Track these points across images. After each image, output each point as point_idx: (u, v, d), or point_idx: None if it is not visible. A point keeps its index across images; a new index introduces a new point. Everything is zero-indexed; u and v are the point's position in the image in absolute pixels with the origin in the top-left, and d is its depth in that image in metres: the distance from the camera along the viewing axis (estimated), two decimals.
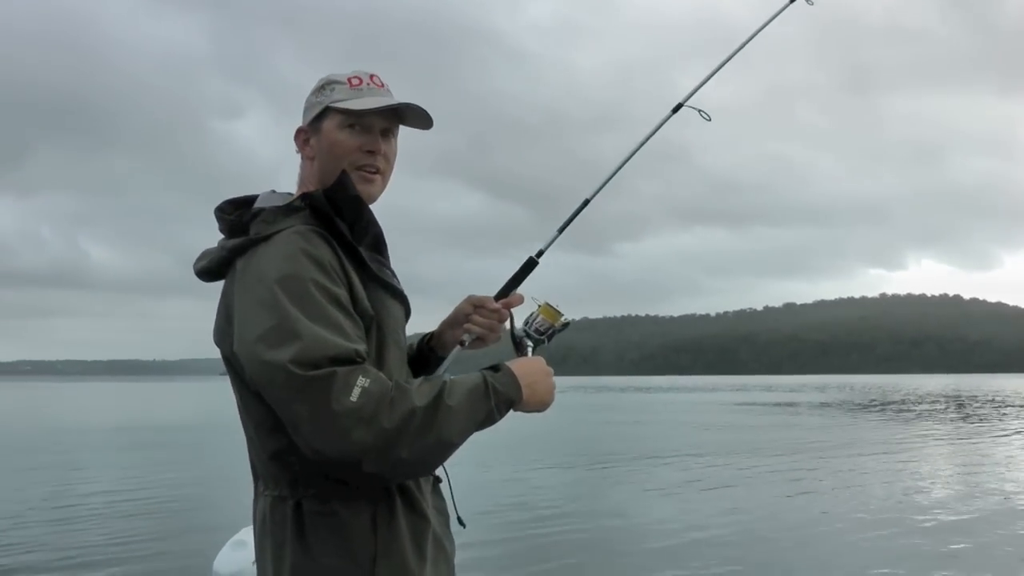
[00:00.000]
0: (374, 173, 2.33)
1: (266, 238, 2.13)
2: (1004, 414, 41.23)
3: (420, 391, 1.99)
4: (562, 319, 2.50)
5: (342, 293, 2.07)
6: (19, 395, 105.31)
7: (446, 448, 2.02)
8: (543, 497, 15.07)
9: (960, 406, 51.19)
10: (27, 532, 12.37)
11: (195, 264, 2.32)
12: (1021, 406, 49.94)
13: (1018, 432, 30.53)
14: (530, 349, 2.48)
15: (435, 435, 1.97)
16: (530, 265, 2.64)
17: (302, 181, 2.36)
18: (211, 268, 2.26)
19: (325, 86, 2.33)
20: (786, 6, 3.28)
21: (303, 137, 2.36)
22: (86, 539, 11.93)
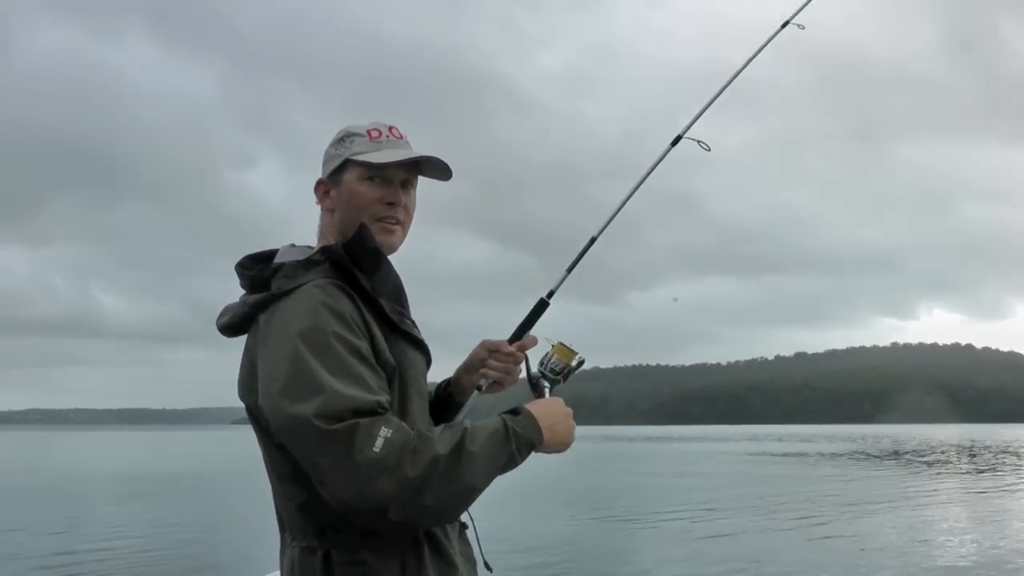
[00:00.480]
0: (394, 224, 2.33)
1: (287, 292, 2.14)
2: (1019, 465, 40.90)
3: (442, 439, 1.99)
4: (577, 357, 2.50)
5: (363, 345, 2.08)
6: (29, 444, 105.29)
7: (469, 494, 2.03)
8: (562, 545, 15.00)
9: (973, 456, 50.88)
10: None
11: (218, 320, 2.33)
12: None
13: None
14: (547, 390, 2.48)
15: (459, 482, 1.97)
16: (541, 306, 2.67)
17: (322, 233, 2.37)
18: (234, 324, 2.27)
19: (344, 138, 2.34)
20: (777, 32, 3.33)
21: (323, 189, 2.36)
22: None
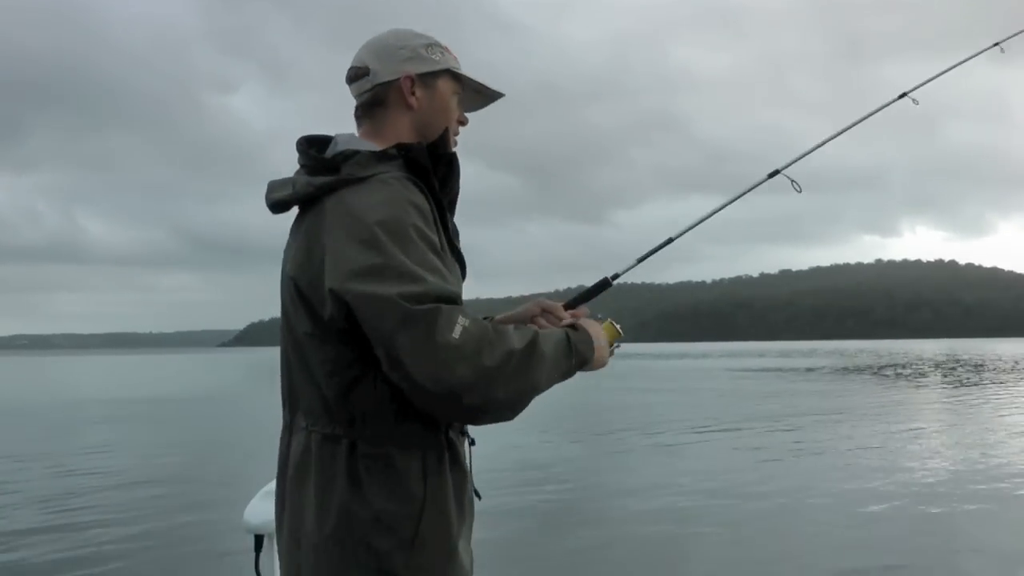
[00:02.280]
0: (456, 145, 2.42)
1: (361, 180, 2.15)
2: (1002, 380, 41.36)
3: (517, 334, 2.08)
4: (620, 339, 2.55)
5: (438, 242, 2.13)
6: (16, 369, 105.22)
7: (533, 393, 2.10)
8: (541, 463, 15.13)
9: (954, 370, 51.41)
10: (43, 506, 12.40)
11: (272, 194, 2.33)
12: (1018, 371, 50.16)
13: (1016, 397, 30.70)
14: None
15: (528, 379, 2.06)
16: (603, 285, 2.75)
17: (390, 128, 2.35)
18: (293, 200, 2.27)
19: (434, 46, 2.38)
20: (891, 102, 3.51)
21: (410, 85, 2.34)
22: (113, 500, 12.31)
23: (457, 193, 2.37)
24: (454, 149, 2.40)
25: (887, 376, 46.58)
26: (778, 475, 13.75)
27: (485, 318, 2.57)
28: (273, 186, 2.34)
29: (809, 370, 55.31)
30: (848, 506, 11.16)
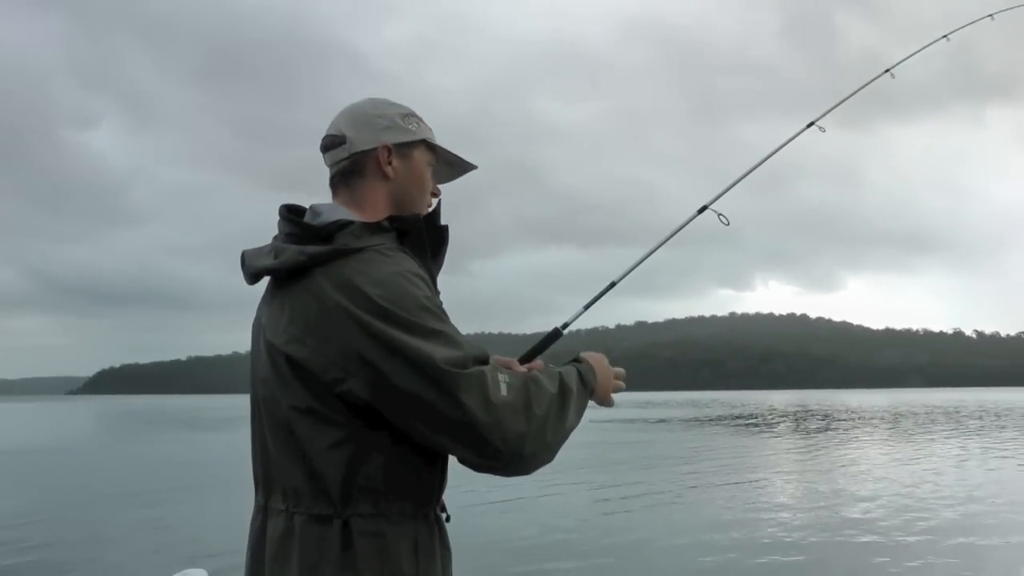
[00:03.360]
0: None
1: (355, 251, 2.10)
2: (849, 428, 42.69)
3: (547, 378, 2.11)
4: None
5: (442, 308, 2.12)
6: None
7: (570, 432, 2.14)
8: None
9: (803, 420, 52.77)
10: None
11: (252, 262, 2.26)
12: (860, 419, 51.76)
13: (859, 441, 31.68)
14: None
15: (567, 420, 2.11)
16: (555, 336, 2.74)
17: (367, 199, 2.31)
18: (275, 270, 2.19)
19: (410, 115, 2.38)
20: (798, 133, 3.62)
21: (387, 155, 2.31)
22: None
23: (441, 266, 2.36)
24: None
25: (739, 426, 47.56)
26: (626, 525, 13.89)
27: None
28: (251, 255, 2.28)
29: (661, 421, 56.08)
30: (689, 554, 11.37)
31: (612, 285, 2.88)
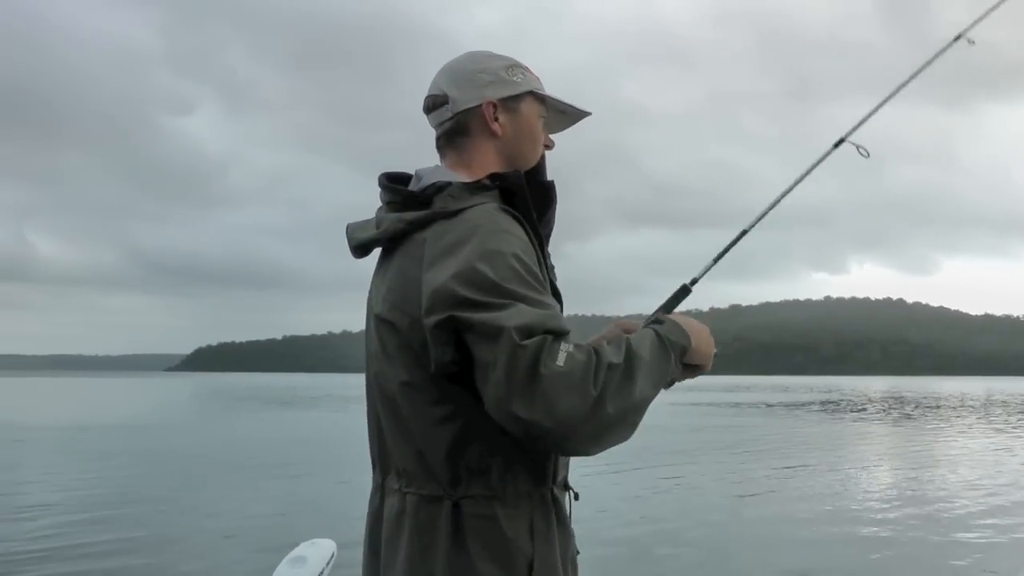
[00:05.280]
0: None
1: (454, 213, 2.02)
2: (948, 417, 41.88)
3: (612, 349, 1.90)
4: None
5: (539, 273, 1.99)
6: None
7: (643, 404, 1.93)
8: None
9: (902, 407, 51.92)
10: None
11: (355, 234, 2.22)
12: (961, 408, 50.77)
13: (960, 433, 31.08)
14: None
15: (635, 390, 1.88)
16: (683, 292, 2.56)
17: (477, 158, 2.21)
18: (377, 241, 2.16)
19: (515, 67, 2.24)
20: (948, 46, 3.25)
21: (492, 111, 2.19)
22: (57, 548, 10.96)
23: (552, 226, 2.27)
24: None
25: (831, 412, 46.95)
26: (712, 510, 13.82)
27: None
28: (355, 227, 2.23)
29: (752, 405, 55.59)
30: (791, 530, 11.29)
31: (743, 233, 2.67)
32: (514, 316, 1.83)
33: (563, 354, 1.81)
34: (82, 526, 12.26)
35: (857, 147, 2.90)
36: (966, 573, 9.65)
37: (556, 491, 2.10)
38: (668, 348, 2.02)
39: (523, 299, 1.87)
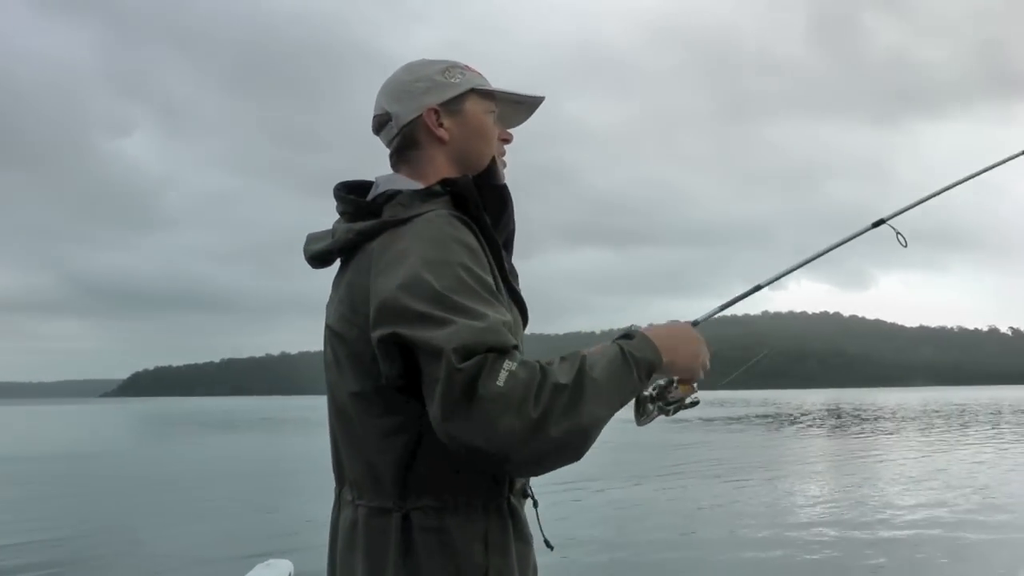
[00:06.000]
0: (504, 166, 2.26)
1: (404, 221, 1.98)
2: (885, 428, 42.46)
3: (561, 368, 1.80)
4: (695, 395, 2.29)
5: (490, 281, 1.93)
6: None
7: (594, 426, 1.81)
8: None
9: (838, 418, 52.51)
10: None
11: (310, 246, 2.17)
12: (892, 418, 51.43)
13: (898, 442, 31.51)
14: (649, 416, 2.28)
15: (583, 412, 1.77)
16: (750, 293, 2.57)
17: (428, 165, 2.17)
18: (333, 251, 2.11)
19: (452, 68, 2.20)
20: (1012, 156, 3.13)
21: (435, 118, 2.15)
22: None
23: (513, 230, 2.22)
24: (504, 180, 2.23)
25: (769, 425, 47.36)
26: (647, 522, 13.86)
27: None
28: (312, 238, 2.19)
29: (700, 419, 55.91)
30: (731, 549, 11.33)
31: (758, 288, 2.63)
32: (453, 337, 1.75)
33: (504, 373, 1.73)
34: (18, 554, 12.09)
35: (896, 232, 2.78)
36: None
37: (514, 500, 2.04)
38: (631, 365, 1.91)
39: (466, 312, 1.80)
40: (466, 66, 2.22)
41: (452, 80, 2.18)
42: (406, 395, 1.89)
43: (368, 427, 1.98)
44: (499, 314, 1.85)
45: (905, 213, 2.81)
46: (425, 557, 1.91)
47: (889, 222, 2.78)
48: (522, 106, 2.32)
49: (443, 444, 1.82)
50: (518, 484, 2.07)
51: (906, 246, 2.76)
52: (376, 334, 1.86)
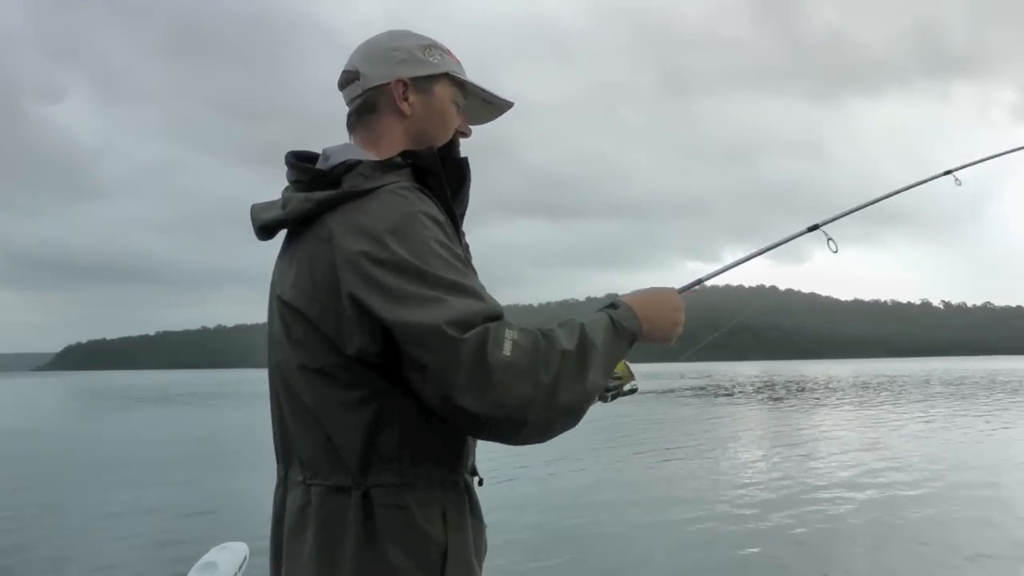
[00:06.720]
0: None
1: (365, 192, 1.94)
2: (817, 398, 43.14)
3: (564, 335, 1.85)
4: (633, 383, 2.39)
5: (462, 253, 1.92)
6: None
7: (595, 391, 1.88)
8: None
9: (772, 389, 53.13)
10: None
11: (260, 215, 2.10)
12: (828, 389, 52.13)
13: (829, 412, 31.96)
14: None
15: (587, 377, 1.84)
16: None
17: (384, 137, 2.13)
18: (286, 221, 2.05)
19: (433, 47, 2.18)
20: (933, 178, 3.45)
21: (403, 90, 2.12)
22: None
23: (467, 203, 2.21)
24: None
25: (708, 396, 47.82)
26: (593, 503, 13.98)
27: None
28: (258, 208, 2.13)
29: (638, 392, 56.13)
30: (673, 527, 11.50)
31: (699, 282, 2.80)
32: (445, 311, 1.76)
33: (508, 342, 1.76)
34: None
35: (828, 238, 2.93)
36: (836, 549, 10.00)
37: (467, 477, 2.05)
38: (621, 335, 1.99)
39: (452, 286, 1.81)
40: (448, 50, 2.21)
41: (430, 59, 2.16)
42: (371, 368, 1.88)
43: (328, 401, 1.94)
44: (479, 284, 1.88)
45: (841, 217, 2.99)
46: (387, 535, 1.89)
47: (823, 227, 2.92)
48: (490, 106, 2.32)
49: (406, 419, 1.88)
50: (469, 461, 2.07)
51: (836, 251, 2.90)
52: (348, 308, 1.84)
